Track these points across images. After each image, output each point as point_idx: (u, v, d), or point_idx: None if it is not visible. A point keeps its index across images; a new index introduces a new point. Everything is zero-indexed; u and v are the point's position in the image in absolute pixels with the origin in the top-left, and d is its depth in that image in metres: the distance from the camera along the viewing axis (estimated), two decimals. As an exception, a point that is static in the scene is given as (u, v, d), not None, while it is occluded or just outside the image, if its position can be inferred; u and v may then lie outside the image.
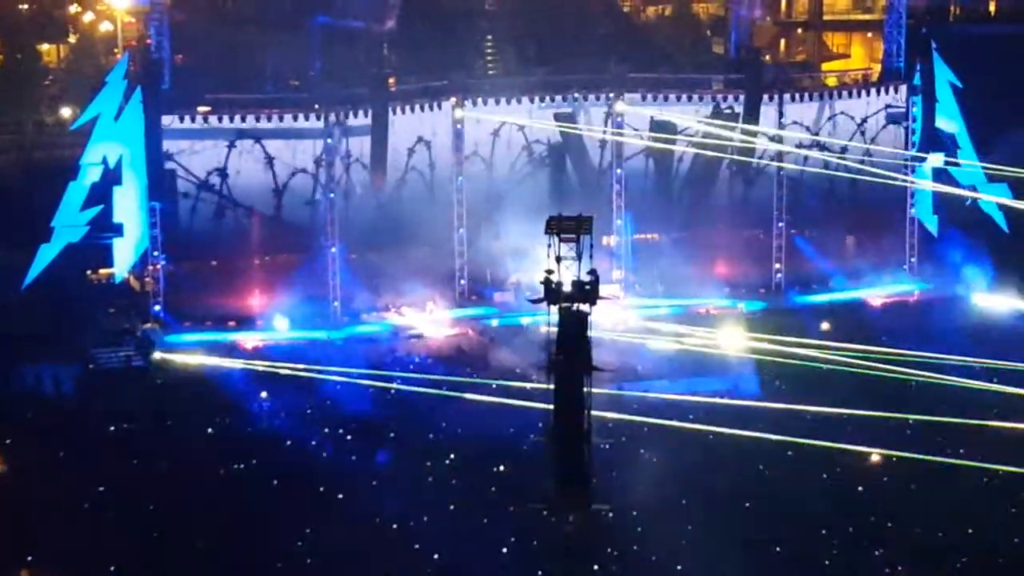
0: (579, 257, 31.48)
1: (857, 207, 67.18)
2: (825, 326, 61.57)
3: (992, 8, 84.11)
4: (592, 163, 66.51)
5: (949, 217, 67.71)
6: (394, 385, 54.57)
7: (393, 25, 69.13)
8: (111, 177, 60.49)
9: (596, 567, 38.91)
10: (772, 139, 66.17)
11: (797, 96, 67.45)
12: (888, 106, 67.80)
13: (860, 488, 47.01)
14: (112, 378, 57.31)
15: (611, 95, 65.34)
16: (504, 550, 42.31)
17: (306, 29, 67.14)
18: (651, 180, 67.17)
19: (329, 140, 62.82)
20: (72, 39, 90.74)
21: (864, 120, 67.82)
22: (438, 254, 64.15)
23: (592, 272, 31.65)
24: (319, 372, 55.22)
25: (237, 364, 56.75)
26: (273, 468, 48.03)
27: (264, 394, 54.08)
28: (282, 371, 55.18)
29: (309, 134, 62.90)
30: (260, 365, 56.15)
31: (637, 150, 66.11)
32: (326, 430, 51.33)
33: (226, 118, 62.14)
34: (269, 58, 66.91)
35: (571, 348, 31.73)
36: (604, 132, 65.42)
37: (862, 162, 67.13)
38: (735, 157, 65.88)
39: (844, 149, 67.32)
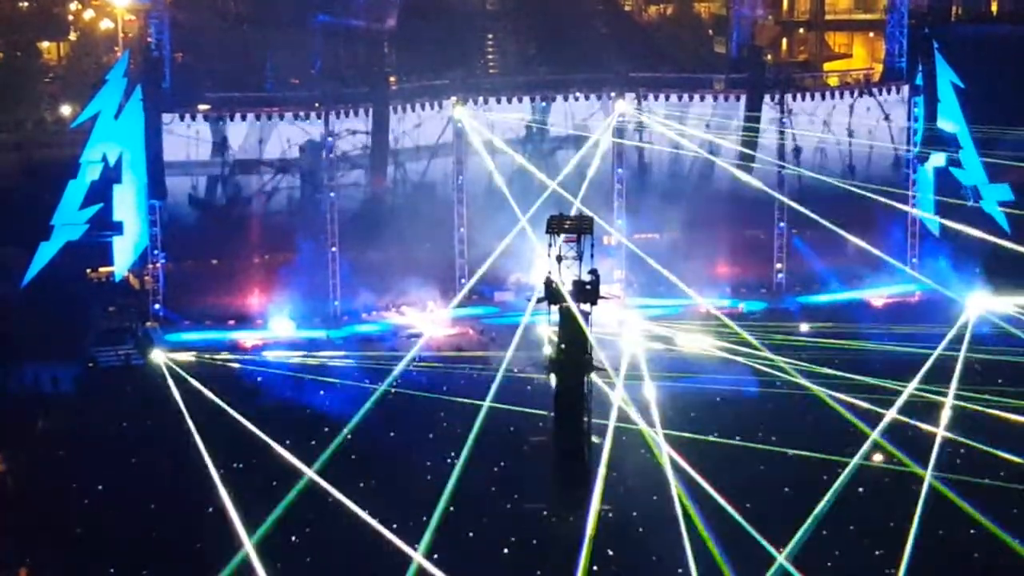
0: (580, 257, 31.42)
1: (857, 206, 67.06)
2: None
3: (994, 8, 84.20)
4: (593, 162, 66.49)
5: (951, 217, 67.60)
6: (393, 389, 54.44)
7: (394, 24, 69.23)
8: (111, 175, 60.52)
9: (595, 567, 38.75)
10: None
11: (799, 96, 67.46)
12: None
13: (860, 489, 46.81)
14: (112, 377, 57.20)
15: (612, 94, 65.28)
16: (505, 550, 42.16)
17: (307, 27, 67.21)
18: (653, 178, 67.13)
19: (330, 139, 62.76)
20: (72, 37, 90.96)
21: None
22: (438, 252, 64.06)
23: (593, 272, 31.58)
24: (318, 371, 55.14)
25: (237, 362, 56.67)
26: (272, 468, 47.87)
27: (264, 393, 54.04)
28: (281, 370, 55.08)
29: (309, 132, 62.87)
30: (260, 363, 56.09)
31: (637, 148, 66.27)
32: (326, 429, 51.18)
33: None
34: (269, 56, 66.99)
35: (572, 348, 31.65)
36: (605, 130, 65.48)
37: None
38: (733, 164, 65.72)
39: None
